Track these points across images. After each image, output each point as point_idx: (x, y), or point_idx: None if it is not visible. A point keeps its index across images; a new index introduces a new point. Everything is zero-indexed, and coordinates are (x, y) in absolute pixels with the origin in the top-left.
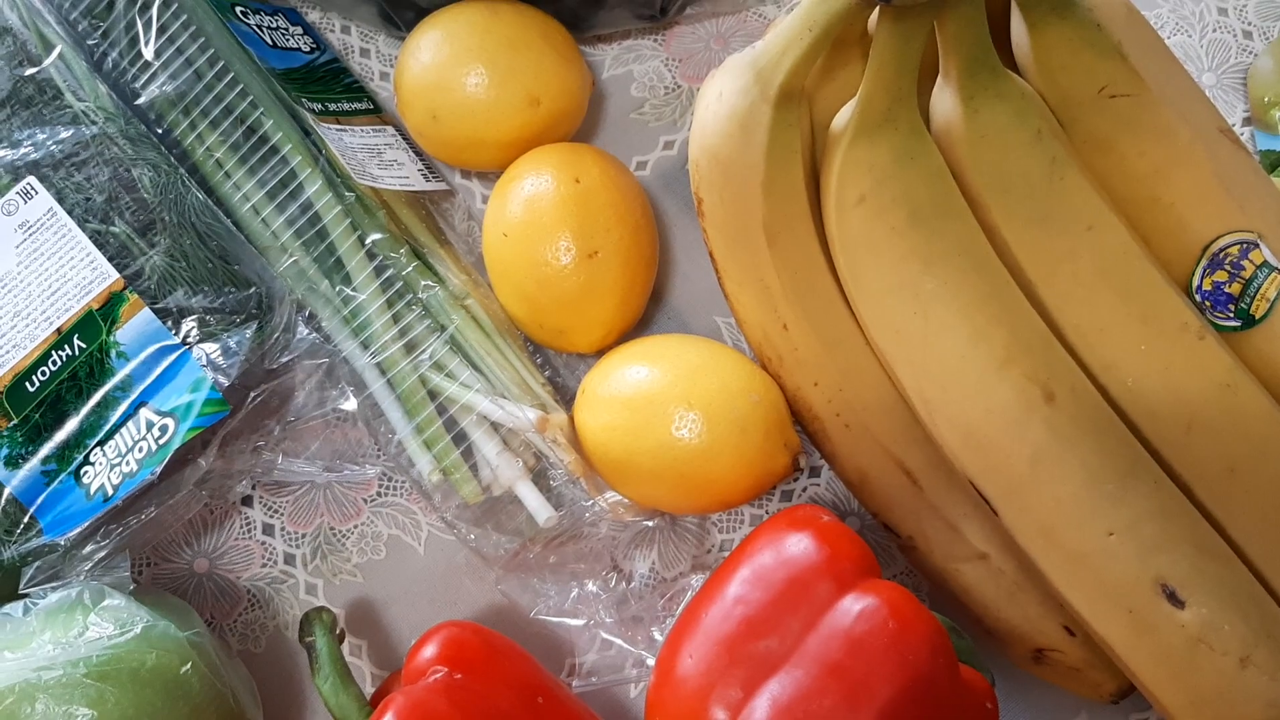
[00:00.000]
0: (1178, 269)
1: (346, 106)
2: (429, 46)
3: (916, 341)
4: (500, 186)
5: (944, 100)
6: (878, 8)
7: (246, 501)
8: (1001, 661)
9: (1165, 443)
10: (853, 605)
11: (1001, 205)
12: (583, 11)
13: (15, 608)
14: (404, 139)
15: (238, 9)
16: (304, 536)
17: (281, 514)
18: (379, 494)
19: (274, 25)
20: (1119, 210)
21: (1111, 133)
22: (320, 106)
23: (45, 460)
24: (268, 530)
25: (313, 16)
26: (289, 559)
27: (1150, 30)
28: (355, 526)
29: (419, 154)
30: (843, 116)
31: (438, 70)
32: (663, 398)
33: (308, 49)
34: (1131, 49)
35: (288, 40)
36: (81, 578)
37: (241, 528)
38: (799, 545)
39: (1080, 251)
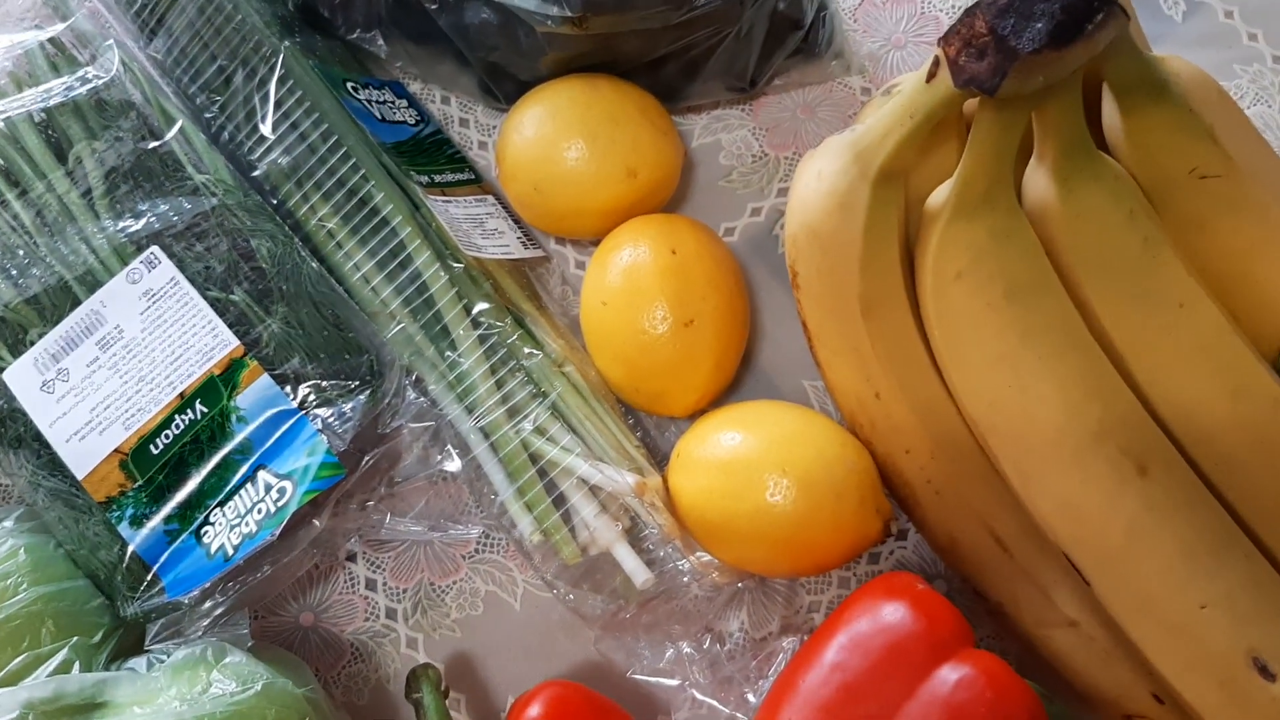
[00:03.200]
0: (1268, 344)
1: (451, 177)
2: (532, 121)
3: (1013, 413)
4: (599, 256)
5: (1039, 181)
6: (979, 96)
7: (350, 557)
8: None
9: (1257, 517)
10: (950, 674)
11: (1096, 283)
12: (677, 84)
13: (139, 662)
14: (503, 207)
15: (349, 84)
16: (405, 592)
17: (383, 569)
18: (477, 551)
19: (382, 99)
20: (1210, 287)
21: (1203, 212)
22: (428, 179)
23: (168, 520)
24: (370, 585)
25: (414, 88)
26: (390, 613)
27: (1239, 112)
28: (454, 583)
29: (517, 221)
30: (940, 195)
31: (541, 144)
32: (758, 463)
33: (413, 121)
34: (1223, 131)
35: (395, 114)
36: (201, 634)
37: (345, 582)
38: (896, 614)
39: (1173, 328)
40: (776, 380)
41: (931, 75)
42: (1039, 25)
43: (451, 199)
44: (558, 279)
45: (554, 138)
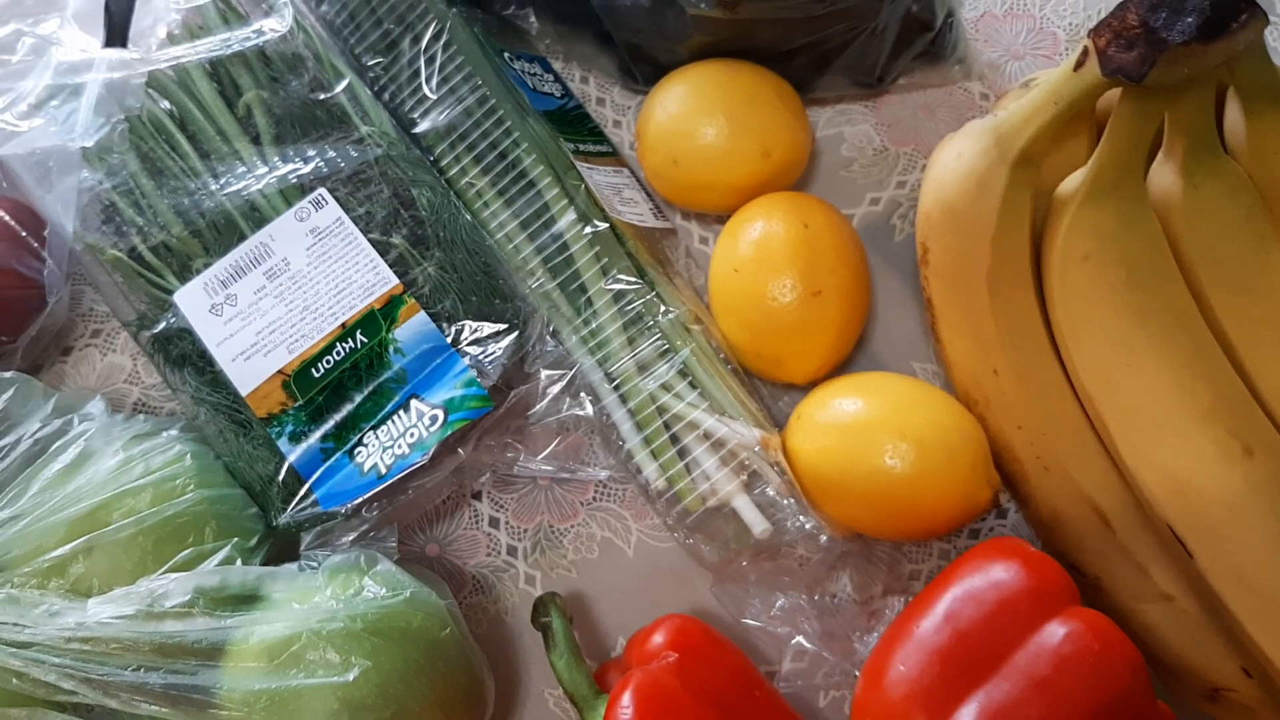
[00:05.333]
0: None
1: (593, 148)
2: (675, 98)
3: (1127, 391)
4: (732, 226)
5: (1165, 174)
6: (1123, 86)
7: (476, 495)
8: (1173, 698)
9: None
10: (1059, 628)
11: (1211, 273)
12: (807, 75)
13: (290, 567)
14: (637, 180)
15: (505, 54)
16: (525, 531)
17: (506, 509)
18: (594, 499)
19: (533, 71)
20: None
21: None
22: (574, 147)
23: (324, 438)
24: (493, 523)
25: (556, 65)
26: (511, 550)
27: None
28: (572, 526)
29: (649, 195)
30: (1073, 181)
31: (683, 119)
32: (878, 427)
33: (559, 95)
34: None
35: (544, 86)
36: (347, 545)
37: (470, 519)
38: (1008, 571)
39: None
40: (887, 361)
41: (1079, 64)
42: (1189, 19)
43: (595, 167)
44: (682, 252)
45: (695, 114)
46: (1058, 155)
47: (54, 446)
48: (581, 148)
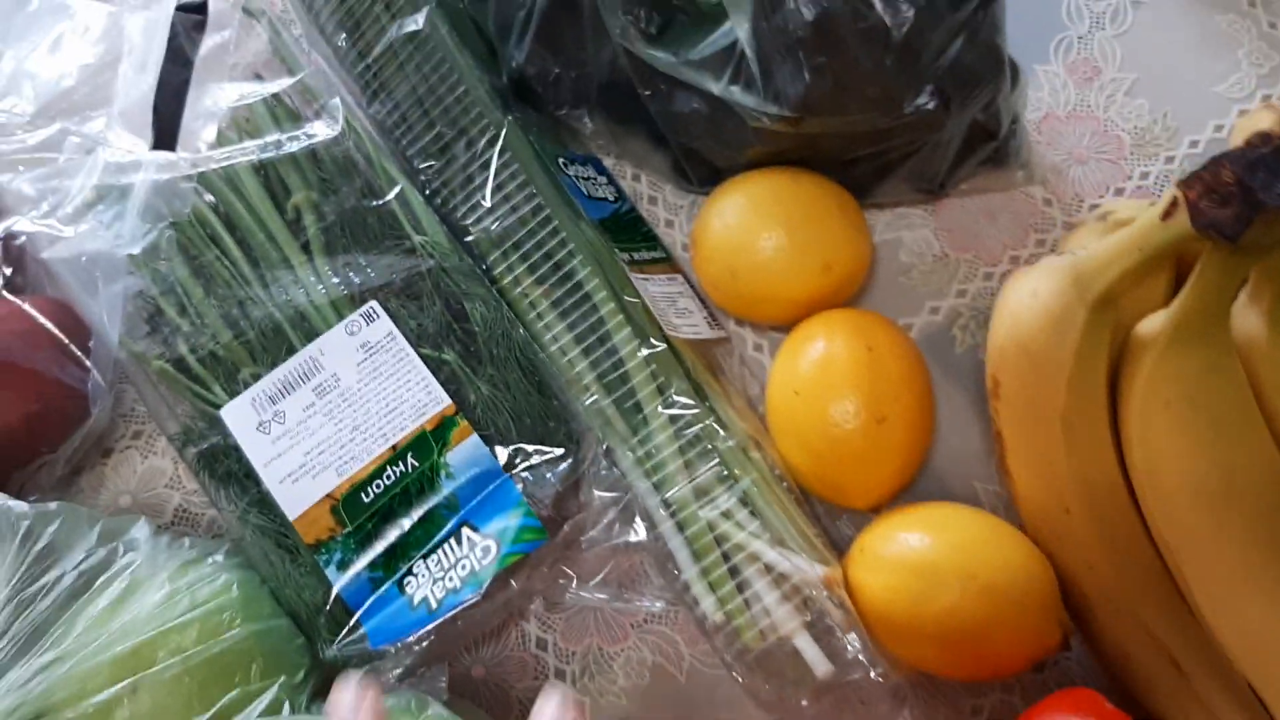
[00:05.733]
0: None
1: (647, 256)
2: (735, 209)
3: (1208, 544)
4: (791, 344)
5: (1251, 318)
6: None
7: (523, 616)
8: None
9: None
10: None
11: None
12: (867, 183)
13: None
14: (690, 286)
15: (560, 160)
16: (574, 654)
17: (555, 630)
18: (645, 621)
19: (587, 175)
20: None
21: None
22: (628, 257)
23: (372, 567)
24: (541, 645)
25: (607, 163)
26: (559, 674)
27: None
28: (622, 650)
29: (703, 301)
30: (1155, 323)
31: (741, 232)
32: (946, 567)
33: (612, 198)
34: None
35: (597, 190)
36: (394, 681)
37: (517, 640)
38: None
39: None
40: (948, 479)
41: (1167, 214)
42: None
43: (649, 277)
44: (736, 360)
45: (755, 226)
46: (1138, 291)
47: (99, 580)
48: (635, 256)
